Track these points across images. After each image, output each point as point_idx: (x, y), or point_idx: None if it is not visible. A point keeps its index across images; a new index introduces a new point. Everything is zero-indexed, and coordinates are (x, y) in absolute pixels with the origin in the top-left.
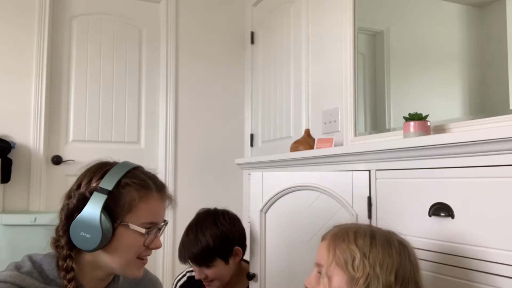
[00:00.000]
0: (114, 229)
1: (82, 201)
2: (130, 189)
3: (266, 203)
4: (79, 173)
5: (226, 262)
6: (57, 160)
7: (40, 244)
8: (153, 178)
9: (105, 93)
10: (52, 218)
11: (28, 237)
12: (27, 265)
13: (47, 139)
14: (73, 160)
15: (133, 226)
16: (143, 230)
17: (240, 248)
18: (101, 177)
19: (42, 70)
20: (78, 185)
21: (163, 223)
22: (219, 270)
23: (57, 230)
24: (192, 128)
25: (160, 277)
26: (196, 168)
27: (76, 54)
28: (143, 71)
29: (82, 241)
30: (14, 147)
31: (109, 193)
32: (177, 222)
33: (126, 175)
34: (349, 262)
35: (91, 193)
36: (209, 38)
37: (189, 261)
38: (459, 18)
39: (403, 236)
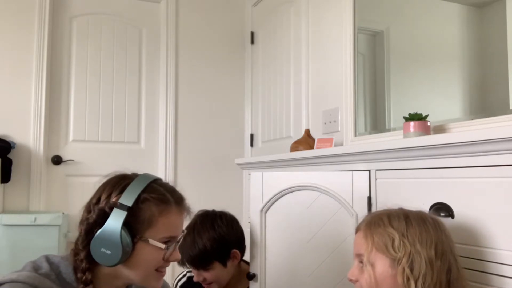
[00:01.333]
0: (133, 244)
1: (102, 217)
2: (150, 204)
3: (266, 203)
4: (97, 185)
5: (224, 265)
6: (57, 160)
7: (40, 244)
8: (171, 191)
9: (105, 93)
10: (52, 218)
11: (28, 237)
12: (45, 267)
13: (47, 139)
14: (73, 160)
15: (152, 242)
16: (162, 246)
17: (237, 251)
18: (121, 192)
19: (42, 70)
20: (97, 199)
21: (181, 234)
22: (217, 273)
23: (76, 243)
24: (192, 128)
25: None
26: (196, 168)
27: (76, 54)
28: (143, 71)
29: (102, 256)
30: (14, 147)
31: (128, 209)
32: None
33: (145, 189)
34: (389, 245)
35: (111, 209)
36: (209, 38)
37: (187, 264)
38: (459, 18)
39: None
